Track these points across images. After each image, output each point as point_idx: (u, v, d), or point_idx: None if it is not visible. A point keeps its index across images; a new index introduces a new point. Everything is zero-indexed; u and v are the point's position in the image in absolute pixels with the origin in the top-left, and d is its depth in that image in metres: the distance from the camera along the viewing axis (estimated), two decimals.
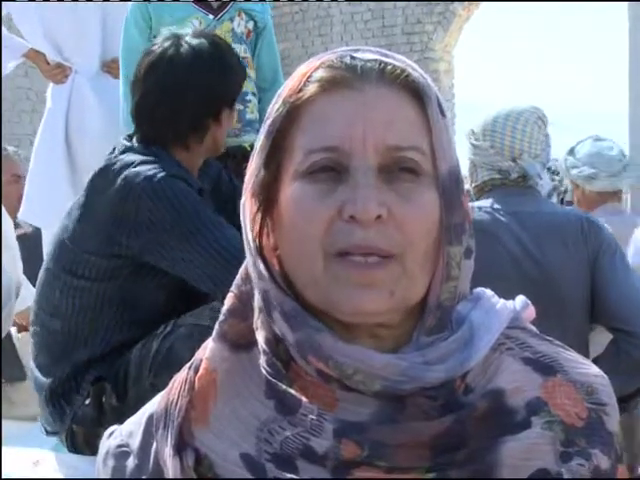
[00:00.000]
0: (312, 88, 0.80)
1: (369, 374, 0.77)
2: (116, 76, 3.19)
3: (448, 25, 12.39)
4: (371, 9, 12.85)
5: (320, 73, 0.81)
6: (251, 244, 0.83)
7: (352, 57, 0.81)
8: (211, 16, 3.10)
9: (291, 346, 0.80)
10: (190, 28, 3.06)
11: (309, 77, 0.81)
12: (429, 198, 0.79)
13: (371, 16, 12.89)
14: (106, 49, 3.51)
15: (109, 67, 3.45)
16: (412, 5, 12.47)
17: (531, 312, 0.89)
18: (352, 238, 0.77)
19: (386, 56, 0.82)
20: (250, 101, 3.13)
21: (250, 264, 0.83)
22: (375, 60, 0.81)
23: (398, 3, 12.52)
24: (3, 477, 1.94)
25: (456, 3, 12.19)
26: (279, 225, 0.82)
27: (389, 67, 0.81)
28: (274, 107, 0.83)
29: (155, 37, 3.06)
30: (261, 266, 0.82)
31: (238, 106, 3.08)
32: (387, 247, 0.77)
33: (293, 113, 0.81)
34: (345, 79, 0.80)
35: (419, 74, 0.82)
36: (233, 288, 0.86)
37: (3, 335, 2.83)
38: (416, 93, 0.81)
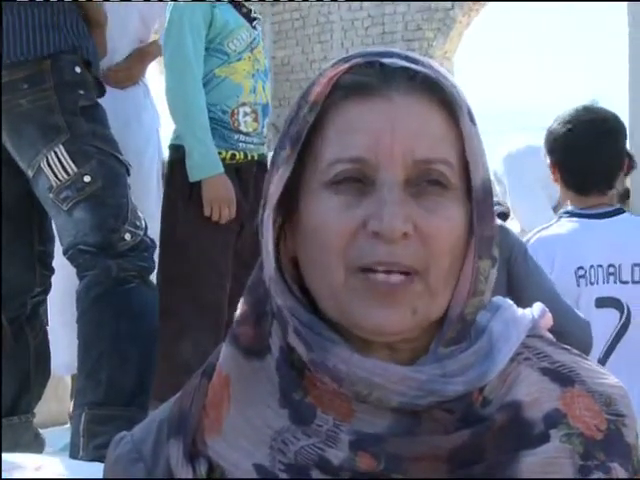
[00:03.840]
0: (338, 95, 0.78)
1: (385, 391, 0.76)
2: (116, 82, 3.13)
3: (448, 32, 12.38)
4: (371, 15, 12.84)
5: (347, 79, 0.79)
6: (271, 254, 0.81)
7: (381, 64, 0.79)
8: (255, 31, 3.08)
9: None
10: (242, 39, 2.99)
11: (335, 83, 0.79)
12: (456, 212, 0.78)
13: (371, 22, 12.89)
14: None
15: (108, 75, 3.38)
16: (412, 12, 12.47)
17: (548, 320, 0.88)
18: (376, 254, 0.75)
19: (415, 62, 0.80)
20: None
21: (267, 276, 0.81)
22: (405, 68, 0.79)
23: (398, 9, 12.52)
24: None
25: (456, 9, 12.19)
26: (300, 233, 0.80)
27: (419, 75, 0.79)
28: (299, 113, 0.79)
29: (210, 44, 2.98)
30: (279, 279, 0.80)
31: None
32: (411, 263, 0.76)
33: (317, 120, 0.79)
34: (373, 87, 0.78)
35: (450, 83, 0.80)
36: (246, 293, 0.85)
37: None
38: (446, 102, 0.79)
